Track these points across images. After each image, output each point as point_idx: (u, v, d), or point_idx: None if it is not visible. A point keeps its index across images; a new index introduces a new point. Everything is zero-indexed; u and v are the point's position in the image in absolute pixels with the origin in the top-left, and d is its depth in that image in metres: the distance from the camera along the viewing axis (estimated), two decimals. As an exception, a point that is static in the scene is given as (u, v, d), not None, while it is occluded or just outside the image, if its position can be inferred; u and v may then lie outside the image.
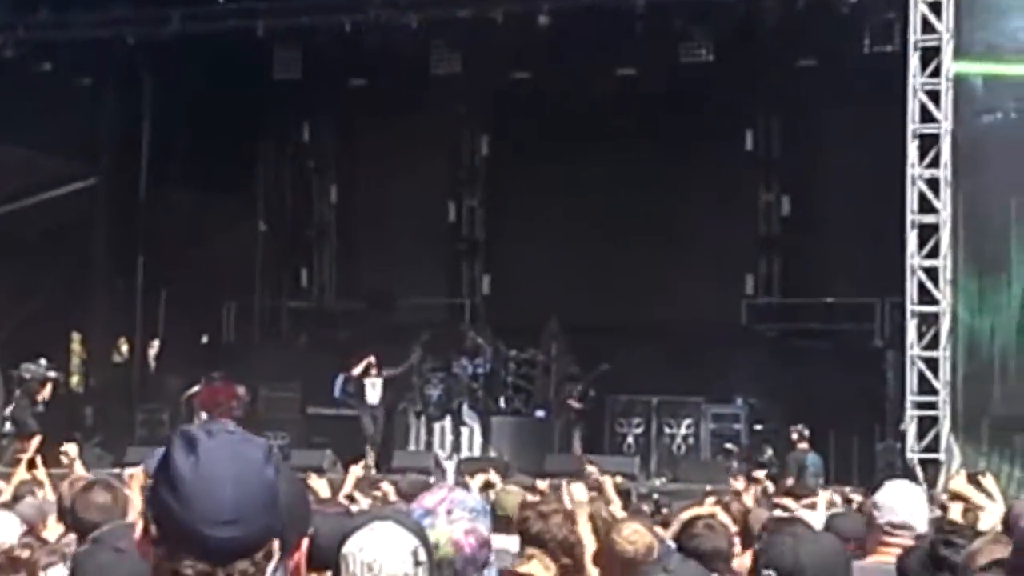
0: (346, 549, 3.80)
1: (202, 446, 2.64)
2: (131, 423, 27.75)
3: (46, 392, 25.55)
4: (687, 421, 26.18)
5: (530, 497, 9.90)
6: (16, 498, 9.78)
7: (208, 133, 28.11)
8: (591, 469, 15.11)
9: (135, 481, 10.17)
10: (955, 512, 8.88)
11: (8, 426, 25.87)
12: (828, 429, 23.95)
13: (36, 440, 22.68)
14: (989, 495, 9.26)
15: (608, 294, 26.73)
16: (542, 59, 26.88)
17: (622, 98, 27.00)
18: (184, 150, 28.65)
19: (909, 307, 21.90)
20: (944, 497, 9.05)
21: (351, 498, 12.51)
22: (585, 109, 26.77)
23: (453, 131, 29.79)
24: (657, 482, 23.81)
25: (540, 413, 26.86)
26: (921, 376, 21.75)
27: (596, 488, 12.28)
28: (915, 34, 21.90)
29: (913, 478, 19.84)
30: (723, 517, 10.73)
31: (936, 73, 21.85)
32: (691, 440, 26.01)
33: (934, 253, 21.72)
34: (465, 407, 26.72)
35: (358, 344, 28.03)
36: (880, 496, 6.95)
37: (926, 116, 21.87)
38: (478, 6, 25.03)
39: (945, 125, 21.76)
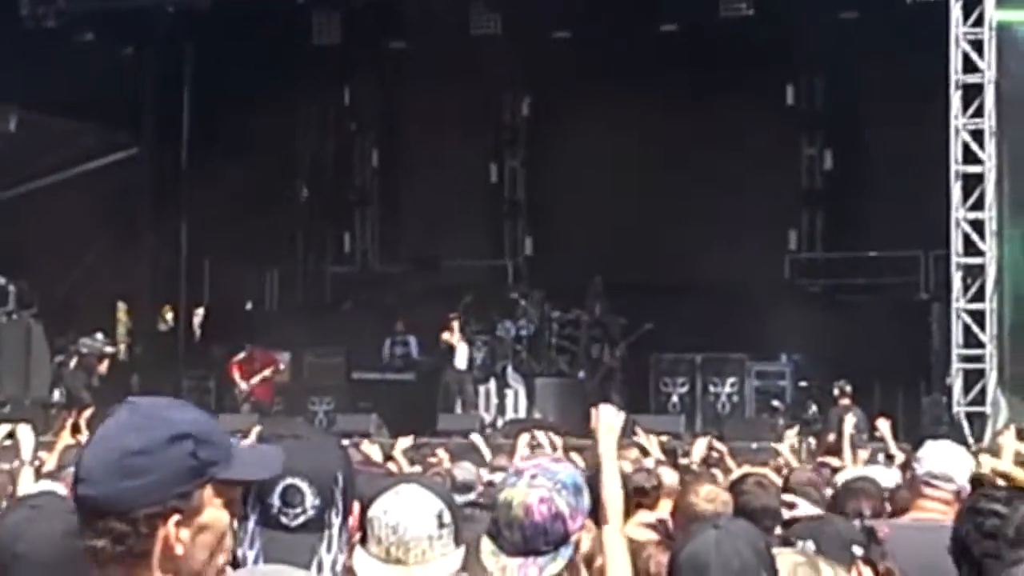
0: (372, 512, 3.83)
1: (118, 409, 2.86)
2: (177, 391, 27.85)
3: (103, 367, 25.73)
4: (731, 379, 26.13)
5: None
6: (62, 466, 9.81)
7: (249, 100, 28.10)
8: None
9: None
10: (1007, 459, 8.82)
11: (57, 395, 26.05)
12: (873, 384, 23.85)
13: (87, 412, 22.84)
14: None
15: (651, 253, 26.65)
16: (582, 18, 26.79)
17: (662, 55, 26.89)
18: (225, 117, 28.68)
19: (954, 259, 21.77)
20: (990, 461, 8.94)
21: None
22: (625, 67, 26.67)
23: (494, 92, 29.72)
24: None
25: (584, 374, 26.85)
26: (967, 329, 21.63)
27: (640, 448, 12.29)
28: (956, -17, 21.74)
29: (960, 432, 19.78)
30: (772, 476, 10.74)
31: (979, 22, 21.66)
32: (736, 398, 25.96)
33: (979, 205, 21.58)
34: (509, 369, 26.72)
35: (402, 308, 28.10)
36: (921, 451, 6.94)
37: (969, 66, 21.69)
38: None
39: (988, 74, 21.59)
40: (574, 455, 13.40)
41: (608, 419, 5.79)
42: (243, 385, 27.09)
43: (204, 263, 30.28)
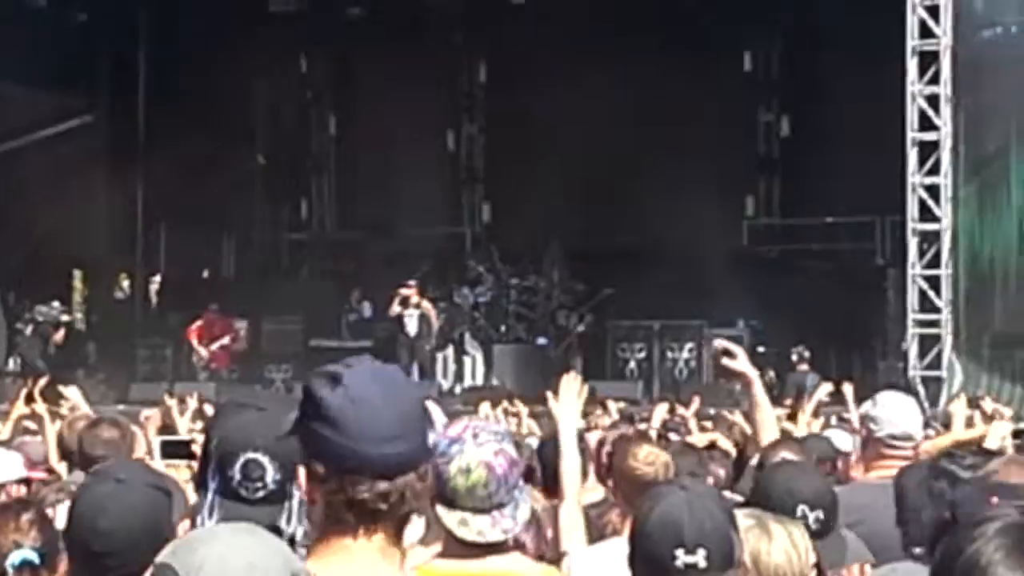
0: None
1: (345, 377, 2.74)
2: (133, 359, 27.78)
3: (59, 335, 25.60)
4: (689, 345, 26.20)
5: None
6: (14, 435, 9.78)
7: (205, 67, 27.96)
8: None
9: (151, 423, 10.21)
10: (958, 427, 8.89)
11: (12, 364, 25.92)
12: (829, 349, 23.97)
13: (43, 380, 22.74)
14: (991, 417, 9.26)
15: (609, 219, 26.68)
16: (538, -17, 26.72)
17: (620, 21, 26.83)
18: (181, 84, 28.52)
19: (910, 225, 21.87)
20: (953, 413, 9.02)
21: None
22: (582, 33, 26.60)
23: (451, 59, 29.65)
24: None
25: (542, 340, 26.87)
26: (922, 294, 21.75)
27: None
28: (913, -51, 21.75)
29: (915, 396, 19.86)
30: (725, 443, 10.77)
31: (935, -12, 21.71)
32: (693, 364, 26.04)
33: (935, 171, 21.67)
34: (467, 336, 26.72)
35: (360, 275, 28.06)
36: (875, 410, 6.93)
37: (926, 32, 21.74)
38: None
39: (945, 41, 21.64)
40: (531, 422, 13.44)
41: (569, 396, 5.83)
42: (202, 351, 27.01)
43: (160, 230, 30.14)
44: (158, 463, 7.40)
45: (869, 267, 26.30)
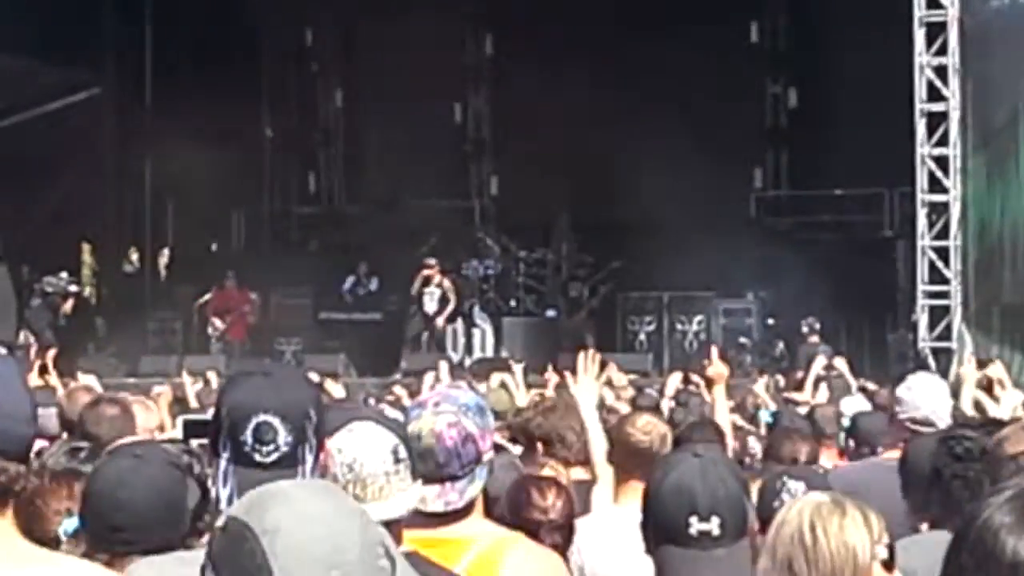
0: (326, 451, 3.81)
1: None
2: (143, 332, 27.81)
3: (67, 306, 25.60)
4: (699, 317, 26.22)
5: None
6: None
7: (210, 40, 27.95)
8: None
9: (163, 399, 10.23)
10: (965, 402, 8.88)
11: (22, 337, 25.92)
12: (840, 321, 23.97)
13: (52, 352, 22.76)
14: (999, 383, 9.24)
15: (617, 191, 26.63)
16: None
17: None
18: (187, 58, 28.50)
19: (919, 196, 21.85)
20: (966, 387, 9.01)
21: None
22: (589, 3, 26.56)
23: (457, 30, 29.58)
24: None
25: (551, 312, 26.89)
26: (932, 265, 21.73)
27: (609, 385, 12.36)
28: (920, -81, 21.68)
29: (925, 367, 19.87)
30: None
31: (943, -41, 21.65)
32: (703, 336, 26.04)
33: (943, 142, 21.63)
34: (476, 309, 26.74)
35: (368, 248, 28.06)
36: (902, 391, 6.93)
37: (933, 2, 21.67)
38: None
39: (952, 11, 21.57)
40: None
41: (587, 375, 5.86)
42: (217, 322, 27.03)
43: (168, 203, 30.15)
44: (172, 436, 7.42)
45: (878, 238, 26.29)
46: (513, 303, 27.07)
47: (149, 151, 29.83)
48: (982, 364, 10.01)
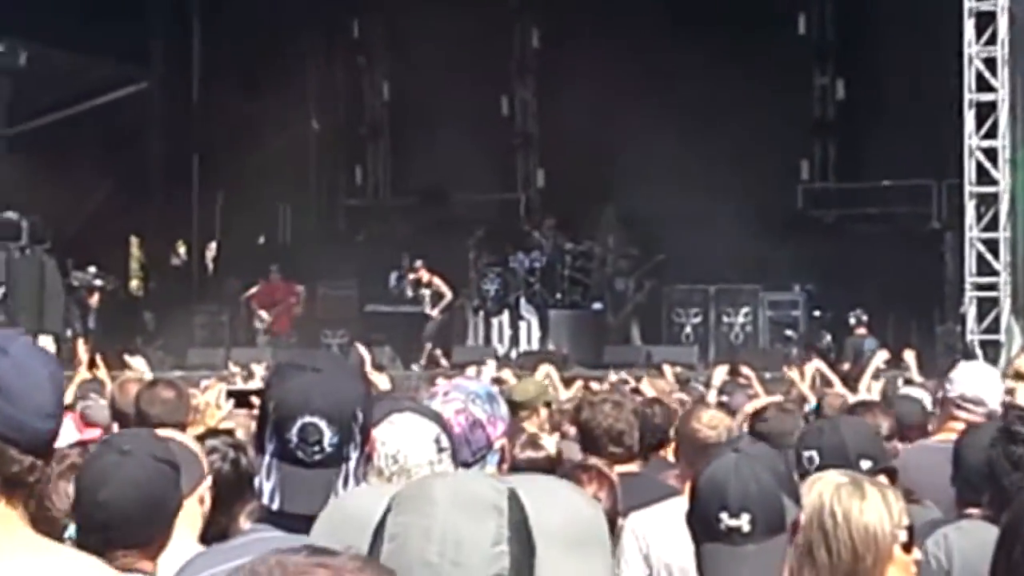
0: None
1: (12, 348, 2.80)
2: (191, 326, 27.95)
3: (94, 300, 25.69)
4: (745, 309, 26.15)
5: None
6: (78, 399, 9.87)
7: (258, 34, 28.03)
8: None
9: (211, 392, 10.27)
10: (1021, 393, 8.84)
11: (69, 331, 26.06)
12: (887, 313, 23.85)
13: (84, 344, 22.98)
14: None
15: (663, 183, 26.54)
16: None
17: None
18: (235, 52, 28.59)
19: (968, 188, 21.72)
20: (1008, 381, 8.98)
21: None
22: (636, -4, 26.54)
23: (504, 23, 29.57)
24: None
25: (597, 305, 26.86)
26: (980, 257, 21.61)
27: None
28: (970, -91, 21.55)
29: (974, 360, 19.77)
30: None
31: (992, -51, 21.52)
32: (749, 328, 25.98)
33: (992, 133, 21.49)
34: (522, 301, 26.75)
35: (414, 241, 28.09)
36: (954, 372, 6.93)
37: (982, -7, 21.56)
38: None
39: (1002, 1, 21.44)
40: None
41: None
42: (263, 315, 27.13)
43: (216, 197, 30.26)
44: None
45: (925, 230, 26.14)
46: (559, 296, 27.05)
47: (196, 145, 29.95)
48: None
